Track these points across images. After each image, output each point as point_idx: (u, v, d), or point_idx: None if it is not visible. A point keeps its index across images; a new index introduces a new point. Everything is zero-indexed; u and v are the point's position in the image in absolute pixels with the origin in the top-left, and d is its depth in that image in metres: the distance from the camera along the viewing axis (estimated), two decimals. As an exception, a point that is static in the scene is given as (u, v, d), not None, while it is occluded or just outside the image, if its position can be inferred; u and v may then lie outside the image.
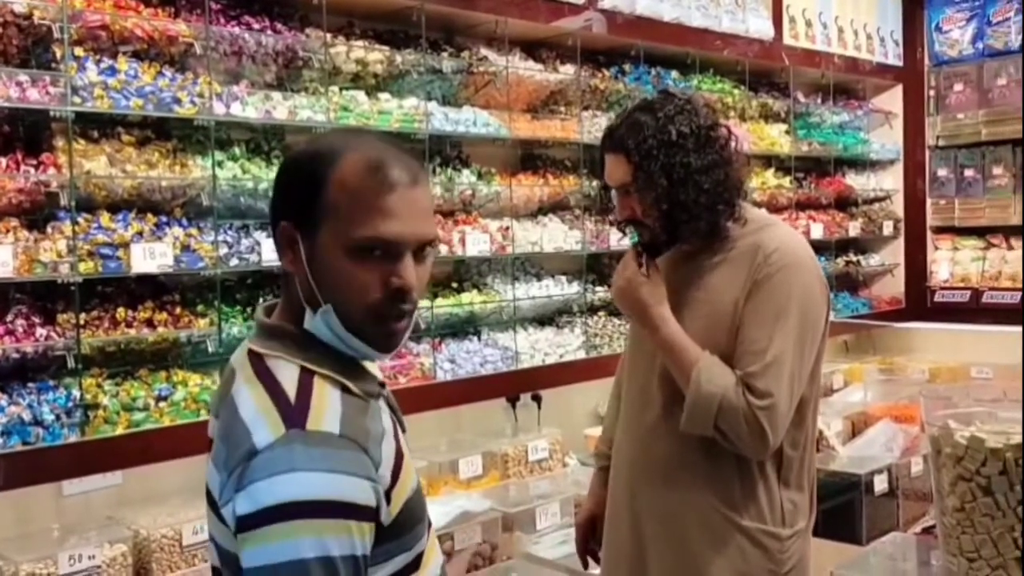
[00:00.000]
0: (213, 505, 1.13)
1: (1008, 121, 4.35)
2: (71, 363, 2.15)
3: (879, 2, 4.63)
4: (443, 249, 2.90)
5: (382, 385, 1.24)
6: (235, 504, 1.05)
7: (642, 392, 1.90)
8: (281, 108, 2.50)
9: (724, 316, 1.80)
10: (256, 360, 1.16)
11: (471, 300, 3.05)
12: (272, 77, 2.60)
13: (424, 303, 2.90)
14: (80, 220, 2.18)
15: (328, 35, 2.66)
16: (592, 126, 3.34)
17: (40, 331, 2.14)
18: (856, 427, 3.69)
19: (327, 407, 1.11)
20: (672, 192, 1.79)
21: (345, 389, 1.14)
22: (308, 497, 1.03)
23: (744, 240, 1.85)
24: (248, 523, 1.04)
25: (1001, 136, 4.40)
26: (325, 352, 1.16)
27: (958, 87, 4.53)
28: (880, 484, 3.17)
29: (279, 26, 2.59)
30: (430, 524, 1.27)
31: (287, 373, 1.13)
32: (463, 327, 3.10)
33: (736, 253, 1.84)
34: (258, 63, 2.54)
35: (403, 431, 1.25)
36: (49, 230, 2.15)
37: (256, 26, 2.53)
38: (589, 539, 2.07)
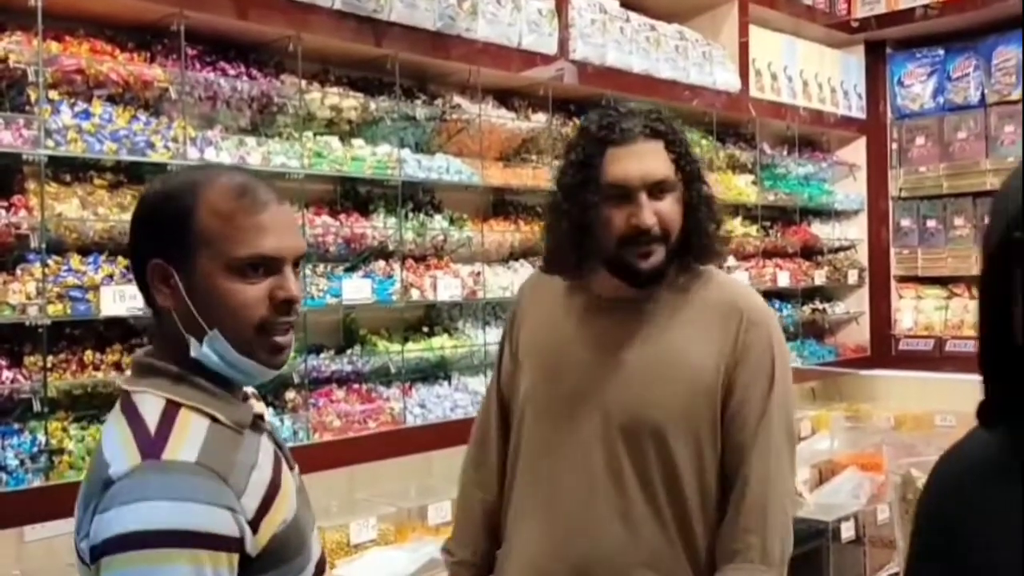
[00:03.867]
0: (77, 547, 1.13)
1: (968, 175, 4.46)
2: (37, 406, 2.13)
3: (843, 56, 4.75)
4: (414, 294, 2.91)
5: (261, 418, 1.26)
6: (91, 535, 1.05)
7: (592, 485, 1.60)
8: (255, 153, 2.51)
9: (707, 383, 1.58)
10: (124, 396, 1.18)
11: (442, 344, 3.06)
12: (246, 122, 2.62)
13: (395, 347, 2.90)
14: (50, 262, 2.17)
15: (303, 81, 2.69)
16: (563, 174, 3.37)
17: (6, 374, 2.12)
18: (823, 475, 3.71)
19: (188, 437, 1.11)
20: (705, 201, 1.62)
21: (215, 420, 1.15)
22: (158, 527, 1.02)
23: (703, 293, 1.64)
24: (99, 552, 1.03)
25: (961, 189, 4.51)
26: (197, 384, 1.16)
27: (920, 140, 4.65)
28: (847, 531, 3.19)
29: (254, 72, 2.61)
30: (324, 565, 1.29)
31: (151, 406, 1.14)
32: (433, 371, 3.11)
33: (701, 307, 1.63)
34: (233, 108, 2.56)
35: (291, 468, 1.27)
36: (18, 272, 2.13)
37: (231, 72, 2.55)
38: None
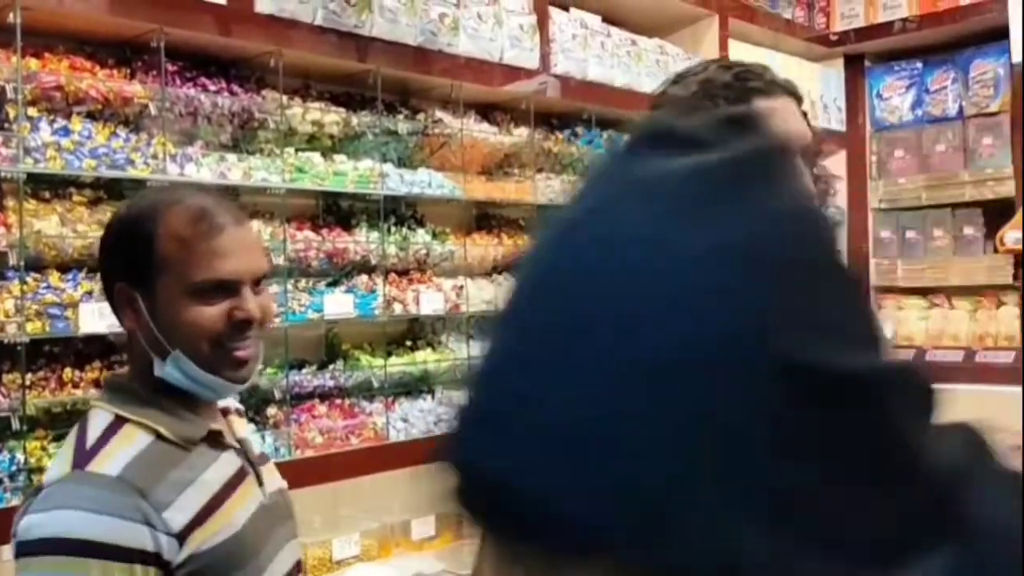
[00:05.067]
0: None
1: (947, 186, 4.50)
2: (15, 425, 2.11)
3: (822, 69, 4.79)
4: (397, 308, 2.91)
5: (221, 435, 1.30)
6: (17, 533, 1.16)
7: None
8: (236, 169, 2.51)
9: None
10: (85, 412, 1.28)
11: (425, 359, 3.05)
12: (227, 138, 2.62)
13: (377, 362, 2.90)
14: (29, 280, 2.15)
15: (284, 97, 2.69)
16: (546, 188, 3.39)
17: (-16, 392, 2.11)
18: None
19: (121, 450, 1.18)
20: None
21: (160, 435, 1.21)
22: (74, 535, 1.10)
23: None
24: (19, 551, 1.14)
25: (940, 200, 4.54)
26: (149, 400, 1.23)
27: (899, 153, 4.68)
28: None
29: (235, 87, 2.61)
30: None
31: (99, 420, 1.22)
32: (417, 385, 3.10)
33: None
34: (213, 124, 2.56)
35: (260, 483, 1.33)
36: (-4, 290, 2.12)
37: (212, 87, 2.55)
38: None
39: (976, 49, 4.41)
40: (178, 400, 1.24)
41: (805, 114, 1.28)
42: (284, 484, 1.39)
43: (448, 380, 3.19)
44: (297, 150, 2.72)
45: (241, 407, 1.43)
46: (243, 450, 1.33)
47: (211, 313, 1.22)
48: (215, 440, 1.28)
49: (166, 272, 1.22)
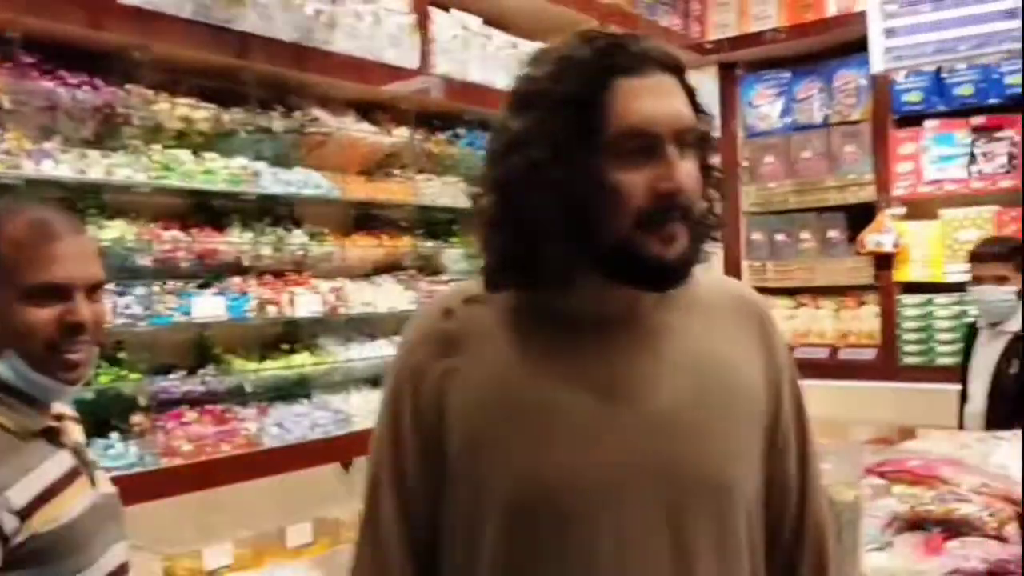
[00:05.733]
0: None
1: (813, 191, 4.69)
2: None
3: (697, 77, 4.90)
4: (271, 310, 2.84)
5: (57, 433, 1.38)
6: None
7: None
8: (97, 166, 2.40)
9: (763, 408, 1.16)
10: None
11: (302, 362, 2.99)
12: (89, 134, 2.50)
13: (250, 366, 2.82)
14: None
15: (151, 91, 2.58)
16: (427, 188, 3.38)
17: None
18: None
19: None
20: (717, 169, 1.16)
21: (1, 426, 1.29)
22: None
23: (704, 289, 1.19)
24: None
25: (806, 204, 4.73)
26: None
27: (768, 159, 4.85)
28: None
29: (98, 81, 2.50)
30: None
31: None
32: (292, 390, 3.04)
33: (715, 309, 1.20)
34: (74, 119, 2.44)
35: (93, 484, 1.41)
36: None
37: (73, 80, 2.43)
38: None
39: (840, 60, 4.62)
40: (16, 397, 1.32)
41: (692, 93, 1.11)
42: (115, 490, 1.48)
43: (326, 384, 3.14)
44: (165, 147, 2.62)
45: (76, 415, 1.50)
46: (78, 452, 1.41)
47: (43, 316, 1.29)
48: (52, 437, 1.35)
49: (3, 276, 1.29)
